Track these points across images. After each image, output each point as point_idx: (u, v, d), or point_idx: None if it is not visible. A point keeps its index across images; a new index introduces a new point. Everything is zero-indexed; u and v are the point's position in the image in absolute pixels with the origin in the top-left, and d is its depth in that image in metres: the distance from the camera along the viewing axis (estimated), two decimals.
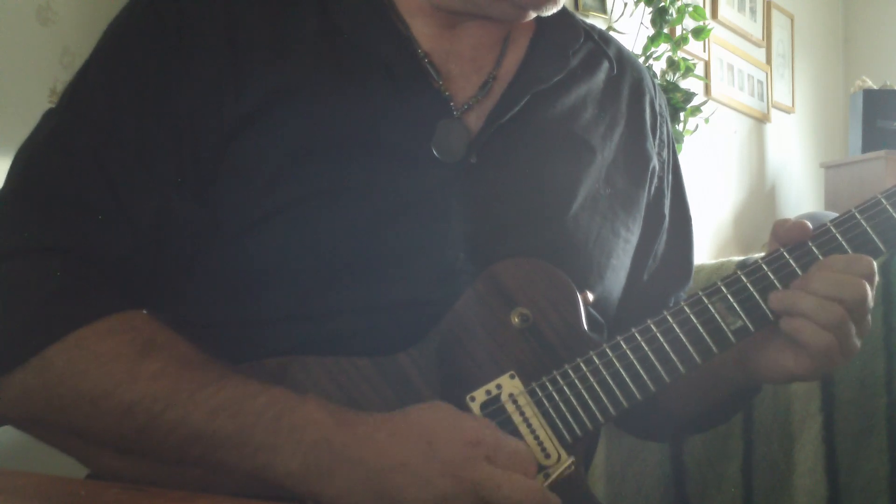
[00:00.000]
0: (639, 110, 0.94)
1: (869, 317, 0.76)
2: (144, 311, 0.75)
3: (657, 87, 0.99)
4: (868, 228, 0.75)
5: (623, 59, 0.95)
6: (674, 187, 0.98)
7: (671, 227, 0.97)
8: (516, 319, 0.75)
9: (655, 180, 0.94)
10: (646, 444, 1.20)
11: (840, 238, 0.75)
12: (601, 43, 0.92)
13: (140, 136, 0.76)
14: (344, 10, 0.81)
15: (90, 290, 0.72)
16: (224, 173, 0.76)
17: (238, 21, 0.78)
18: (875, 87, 4.22)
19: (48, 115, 0.79)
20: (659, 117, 0.96)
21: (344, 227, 0.75)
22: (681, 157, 3.29)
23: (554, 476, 0.72)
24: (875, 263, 0.75)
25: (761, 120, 4.12)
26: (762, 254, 0.79)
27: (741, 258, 1.22)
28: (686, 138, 2.95)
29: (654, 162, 0.93)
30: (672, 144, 0.98)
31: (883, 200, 0.76)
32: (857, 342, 0.76)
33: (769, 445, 1.13)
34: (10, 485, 0.65)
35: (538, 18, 0.88)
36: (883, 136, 4.09)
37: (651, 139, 0.94)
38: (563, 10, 0.89)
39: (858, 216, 0.76)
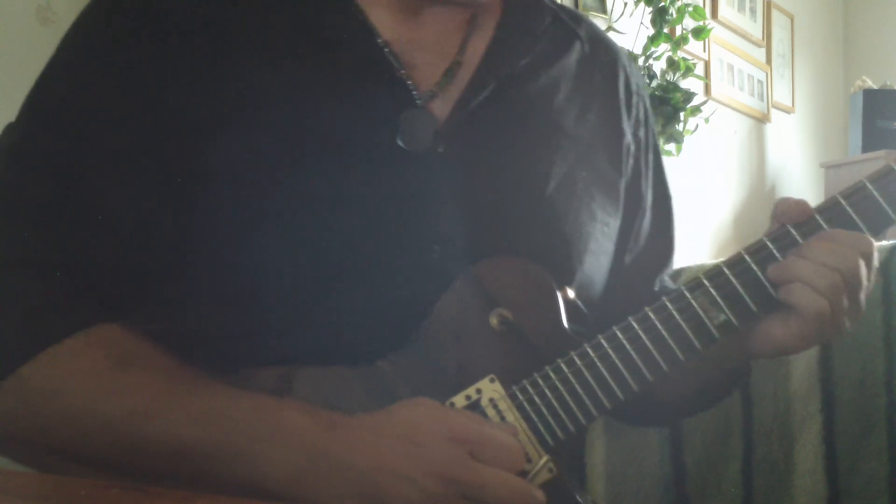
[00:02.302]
0: (612, 89, 0.92)
1: (862, 297, 0.74)
2: (120, 324, 0.73)
3: (633, 66, 0.97)
4: (852, 213, 0.74)
5: (596, 39, 0.93)
6: (653, 167, 0.96)
7: (652, 208, 0.96)
8: (495, 321, 0.73)
9: (631, 160, 0.92)
10: (646, 444, 1.20)
11: (824, 226, 0.74)
12: (571, 23, 0.90)
13: (111, 139, 0.74)
14: (303, 1, 0.79)
15: (65, 304, 0.70)
16: (198, 177, 0.74)
17: (207, 19, 0.76)
18: (875, 87, 4.22)
19: (10, 129, 0.76)
20: (635, 96, 0.94)
21: (315, 231, 0.74)
22: (681, 157, 3.27)
23: (531, 477, 0.70)
24: (874, 244, 0.74)
25: (761, 120, 4.12)
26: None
27: None
28: (686, 138, 2.95)
29: (630, 141, 0.92)
30: (650, 124, 0.97)
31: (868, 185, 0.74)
32: (848, 322, 0.74)
33: (769, 445, 1.13)
34: (10, 485, 0.64)
35: (504, 2, 0.86)
36: (883, 136, 4.09)
37: (626, 118, 0.92)
38: None
39: (843, 201, 0.74)
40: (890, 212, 0.74)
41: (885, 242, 1.09)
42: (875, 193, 0.74)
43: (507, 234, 0.78)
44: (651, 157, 0.96)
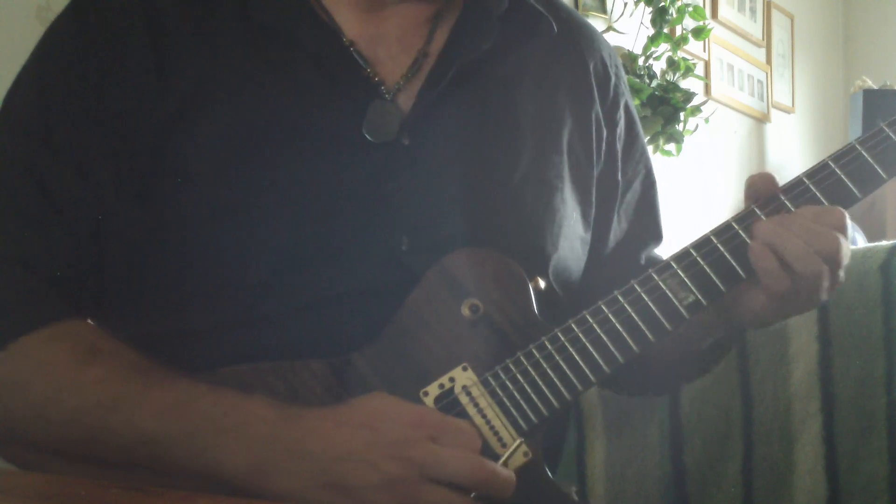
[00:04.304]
0: (583, 72, 0.91)
1: (842, 272, 0.75)
2: (87, 320, 0.75)
3: (609, 47, 0.96)
4: (816, 191, 0.75)
5: (568, 20, 0.92)
6: (636, 146, 0.96)
7: (636, 188, 0.96)
8: (467, 311, 0.74)
9: (604, 146, 0.91)
10: (646, 444, 1.20)
11: (788, 205, 0.75)
12: (539, 6, 0.89)
13: (72, 142, 0.76)
14: (265, 3, 0.80)
15: (31, 299, 0.72)
16: (162, 174, 0.75)
17: (159, 18, 0.78)
18: (875, 87, 4.22)
19: None
20: (613, 78, 0.93)
21: (282, 222, 0.75)
22: (681, 157, 3.26)
23: (503, 459, 0.71)
24: (845, 215, 0.74)
25: (761, 120, 4.12)
26: None
27: None
28: (686, 138, 2.95)
29: (603, 126, 0.91)
30: (629, 105, 0.95)
31: (857, 147, 0.75)
32: (822, 295, 0.75)
33: (769, 445, 1.13)
34: (10, 485, 0.65)
35: None
36: None
37: (599, 101, 0.91)
38: None
39: (807, 181, 0.75)
40: (854, 189, 0.75)
41: (884, 242, 1.09)
42: (838, 172, 0.75)
43: (477, 222, 0.79)
44: (635, 137, 0.95)
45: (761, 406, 1.14)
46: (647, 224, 0.97)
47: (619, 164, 0.93)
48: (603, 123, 0.91)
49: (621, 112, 0.94)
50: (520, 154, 0.83)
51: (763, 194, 0.77)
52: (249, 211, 0.75)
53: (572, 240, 0.86)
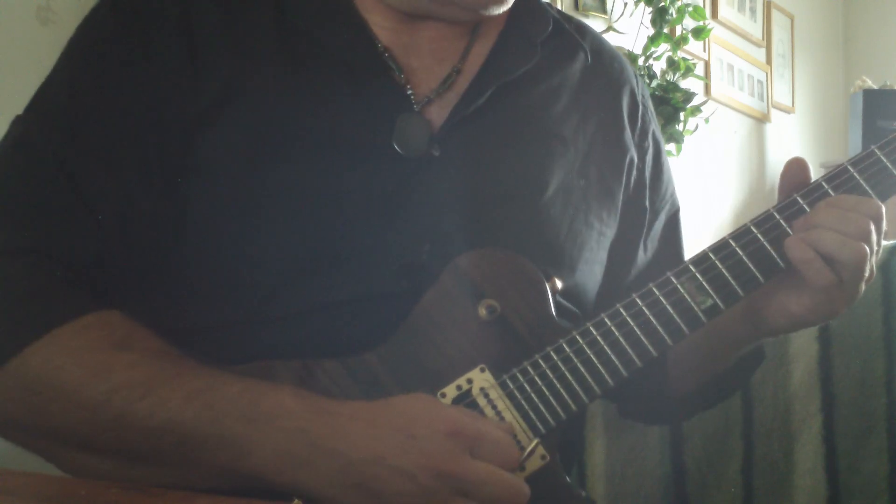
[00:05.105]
0: (616, 101, 0.92)
1: (873, 261, 0.75)
2: (119, 310, 0.75)
3: (639, 78, 0.98)
4: (861, 181, 0.75)
5: (600, 50, 0.94)
6: (663, 177, 0.97)
7: (661, 218, 0.96)
8: (483, 311, 0.73)
9: (635, 172, 0.92)
10: (646, 444, 1.20)
11: (806, 208, 0.75)
12: (576, 34, 0.91)
13: (102, 136, 0.76)
14: (301, 6, 0.81)
15: (63, 290, 0.72)
16: (187, 171, 0.76)
17: (194, 15, 0.78)
18: (875, 87, 4.22)
19: (16, 122, 0.78)
20: (641, 107, 0.95)
21: (304, 224, 0.75)
22: (681, 157, 3.25)
23: (528, 470, 0.71)
24: (883, 208, 0.74)
25: (761, 120, 4.12)
26: None
27: None
28: (686, 138, 2.95)
29: (633, 154, 0.92)
30: (655, 133, 0.97)
31: (877, 151, 0.76)
32: (861, 287, 0.75)
33: (769, 445, 1.13)
34: (10, 485, 0.65)
35: (510, 9, 0.87)
36: (883, 136, 4.07)
37: (629, 131, 0.92)
38: (533, 1, 0.89)
39: (825, 185, 0.75)
40: (873, 195, 0.75)
41: (885, 242, 1.09)
42: (857, 177, 0.76)
43: (499, 237, 0.79)
44: (662, 166, 0.97)
45: (761, 406, 1.14)
46: (671, 254, 0.97)
47: (647, 191, 0.94)
48: (633, 150, 0.92)
49: (650, 140, 0.95)
50: (548, 175, 0.83)
51: (798, 180, 0.77)
52: (265, 211, 0.75)
53: (592, 263, 0.86)
